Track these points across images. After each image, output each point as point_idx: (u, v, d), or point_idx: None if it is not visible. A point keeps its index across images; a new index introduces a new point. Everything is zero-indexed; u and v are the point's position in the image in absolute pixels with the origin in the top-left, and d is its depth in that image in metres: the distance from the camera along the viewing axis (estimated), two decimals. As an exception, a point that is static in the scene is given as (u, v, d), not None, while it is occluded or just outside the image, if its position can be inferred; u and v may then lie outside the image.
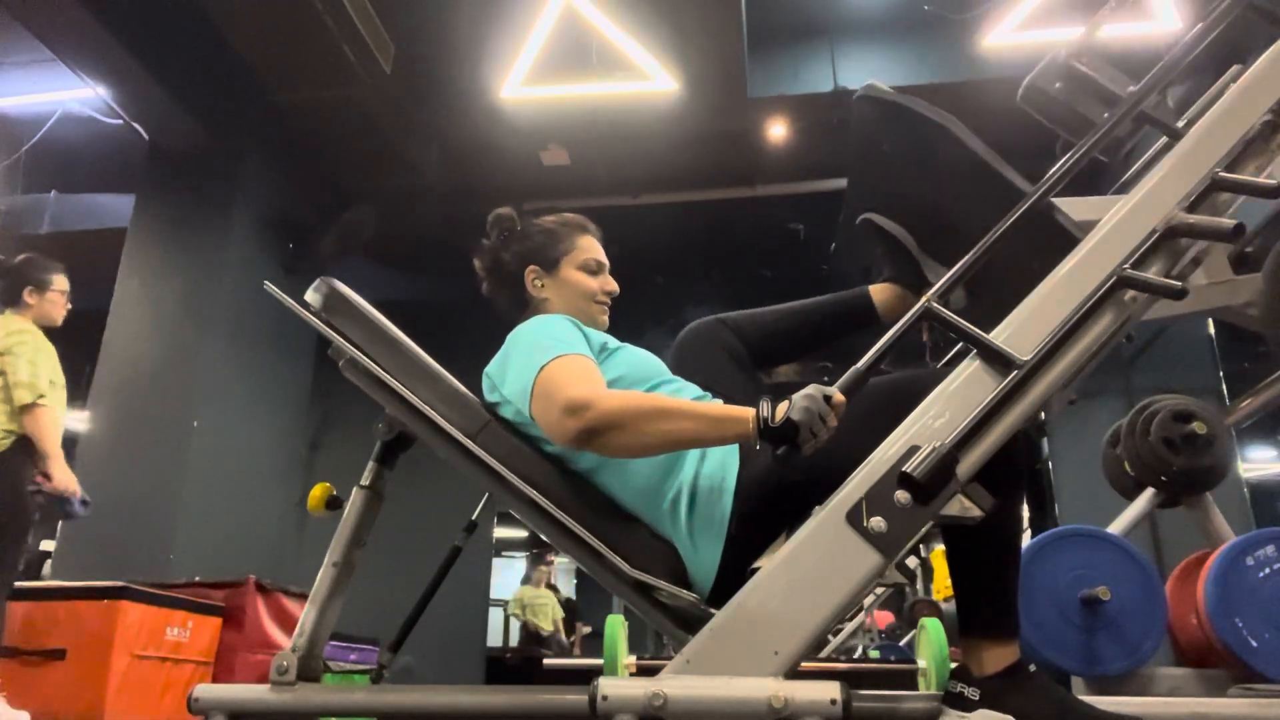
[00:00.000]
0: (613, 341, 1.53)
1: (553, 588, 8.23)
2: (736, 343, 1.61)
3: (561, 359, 1.34)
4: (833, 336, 1.69)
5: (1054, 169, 1.39)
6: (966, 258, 1.35)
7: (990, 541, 1.28)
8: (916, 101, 1.51)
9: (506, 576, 9.38)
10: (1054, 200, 1.39)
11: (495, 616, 8.14)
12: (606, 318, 1.64)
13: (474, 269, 1.68)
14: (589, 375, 1.33)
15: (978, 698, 1.25)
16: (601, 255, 1.65)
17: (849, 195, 1.74)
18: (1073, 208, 1.41)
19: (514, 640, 8.14)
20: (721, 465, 1.37)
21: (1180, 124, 1.43)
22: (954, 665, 1.35)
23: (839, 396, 1.21)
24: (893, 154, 1.60)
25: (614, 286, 1.64)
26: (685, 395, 1.45)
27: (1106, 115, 1.43)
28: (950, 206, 1.57)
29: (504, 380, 1.42)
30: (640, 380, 1.45)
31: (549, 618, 7.77)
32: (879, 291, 1.68)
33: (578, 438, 1.28)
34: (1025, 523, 6.51)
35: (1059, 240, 1.37)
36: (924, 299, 1.32)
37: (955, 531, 1.29)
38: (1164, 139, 1.46)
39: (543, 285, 1.61)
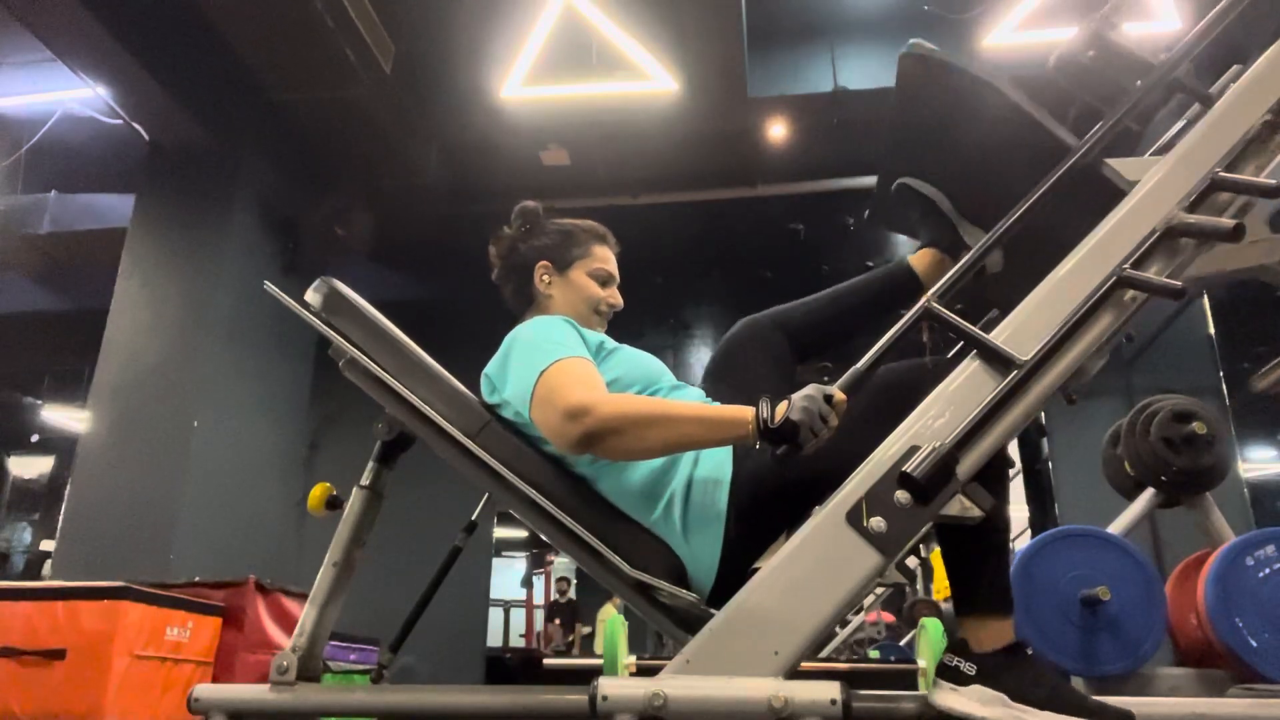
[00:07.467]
0: (610, 342, 1.53)
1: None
2: (782, 341, 1.59)
3: (561, 362, 1.34)
4: (881, 312, 1.66)
5: (1097, 126, 1.39)
6: (1007, 217, 1.35)
7: (981, 527, 1.28)
8: (963, 59, 1.51)
9: (506, 577, 9.40)
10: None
11: (495, 616, 8.18)
12: (604, 329, 1.62)
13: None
14: (589, 379, 1.33)
15: (973, 673, 1.26)
16: (614, 269, 1.64)
17: (886, 159, 1.72)
18: (1114, 168, 1.41)
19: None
20: (717, 466, 1.37)
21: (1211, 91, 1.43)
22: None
23: (839, 396, 1.21)
24: (936, 112, 1.58)
25: (619, 301, 1.63)
26: (686, 397, 1.44)
27: (1140, 83, 1.43)
28: (991, 166, 1.56)
29: (504, 383, 1.42)
30: (638, 381, 1.45)
31: None
32: (919, 259, 1.67)
33: (578, 443, 1.28)
34: (1025, 523, 6.51)
35: (1105, 197, 1.37)
36: (924, 298, 1.32)
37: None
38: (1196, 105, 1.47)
39: (550, 283, 1.61)
